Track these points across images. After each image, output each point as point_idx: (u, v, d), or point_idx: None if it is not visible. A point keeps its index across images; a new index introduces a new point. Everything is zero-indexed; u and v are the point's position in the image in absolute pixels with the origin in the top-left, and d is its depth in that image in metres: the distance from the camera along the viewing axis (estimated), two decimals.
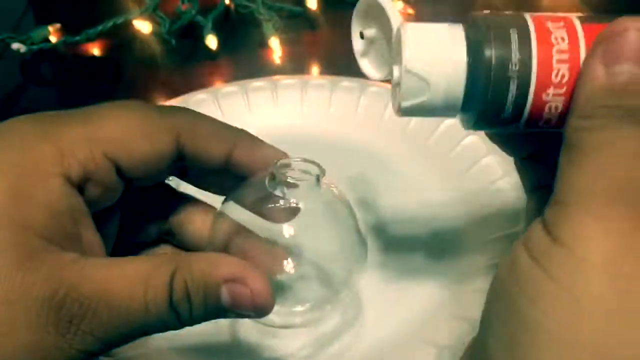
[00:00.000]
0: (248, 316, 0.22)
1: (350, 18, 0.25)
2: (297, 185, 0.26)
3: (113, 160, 0.24)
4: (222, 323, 0.32)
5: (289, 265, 0.27)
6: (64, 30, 0.56)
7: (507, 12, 0.20)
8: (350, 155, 0.43)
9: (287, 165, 0.26)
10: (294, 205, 0.26)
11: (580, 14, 0.20)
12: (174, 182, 0.29)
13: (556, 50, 0.19)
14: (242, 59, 0.56)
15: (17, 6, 0.62)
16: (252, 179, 0.27)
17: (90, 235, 0.23)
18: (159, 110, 0.25)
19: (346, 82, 0.46)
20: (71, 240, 0.22)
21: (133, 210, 0.27)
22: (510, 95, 0.20)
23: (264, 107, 0.46)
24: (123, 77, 0.54)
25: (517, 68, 0.19)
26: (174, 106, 0.26)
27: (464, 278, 0.34)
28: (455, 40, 0.20)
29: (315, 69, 0.55)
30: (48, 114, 0.24)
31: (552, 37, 0.19)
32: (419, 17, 0.60)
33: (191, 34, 0.58)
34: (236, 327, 0.33)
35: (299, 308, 0.28)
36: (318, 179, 0.26)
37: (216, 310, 0.22)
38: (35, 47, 0.54)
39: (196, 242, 0.28)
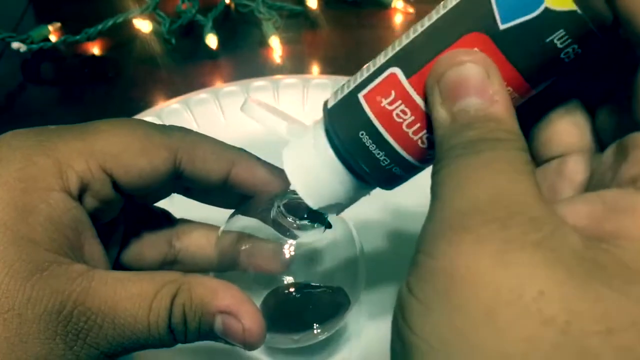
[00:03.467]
0: (237, 346, 0.23)
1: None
2: (302, 229, 0.26)
3: (109, 173, 0.24)
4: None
5: (291, 277, 0.28)
6: (64, 30, 0.56)
7: (345, 102, 0.21)
8: None
9: (291, 204, 0.26)
10: (297, 242, 0.27)
11: (400, 59, 0.20)
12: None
13: (406, 125, 0.20)
14: (243, 58, 0.56)
15: (17, 5, 0.62)
16: (257, 204, 0.28)
17: (94, 246, 0.24)
18: (157, 127, 0.26)
19: None
20: (75, 252, 0.22)
21: (137, 234, 0.28)
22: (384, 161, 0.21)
23: None
24: (123, 76, 0.54)
25: (387, 161, 0.21)
26: (173, 125, 0.27)
27: None
28: (322, 152, 0.22)
29: (315, 68, 0.55)
30: (44, 128, 0.24)
31: (394, 115, 0.20)
32: (419, 17, 0.60)
33: (191, 33, 0.58)
34: None
35: (294, 336, 0.29)
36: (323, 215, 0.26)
37: (209, 335, 0.23)
38: (35, 46, 0.54)
39: (202, 260, 0.29)
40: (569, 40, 0.18)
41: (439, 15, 0.19)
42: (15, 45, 0.53)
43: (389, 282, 0.35)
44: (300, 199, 0.23)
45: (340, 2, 0.61)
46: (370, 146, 0.20)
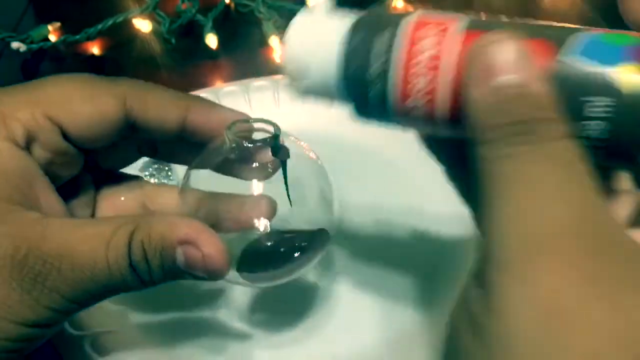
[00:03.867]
0: (203, 278, 0.23)
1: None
2: (251, 148, 0.26)
3: (56, 121, 0.24)
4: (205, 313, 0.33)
5: (260, 220, 0.27)
6: (64, 29, 0.56)
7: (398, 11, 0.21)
8: (352, 153, 0.43)
9: (242, 127, 0.26)
10: (252, 166, 0.26)
11: (472, 16, 0.20)
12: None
13: (415, 73, 0.19)
14: (243, 58, 0.56)
15: (17, 5, 0.61)
16: (210, 146, 0.27)
17: (50, 197, 0.23)
18: (104, 78, 0.26)
19: None
20: (29, 201, 0.22)
21: (110, 199, 0.28)
22: (372, 76, 0.20)
23: (266, 106, 0.46)
24: (123, 76, 0.54)
25: (376, 73, 0.20)
26: (122, 77, 0.26)
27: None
28: (337, 30, 0.22)
29: None
30: None
31: (416, 60, 0.19)
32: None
33: (191, 33, 0.57)
34: (216, 317, 0.33)
35: (267, 272, 0.28)
36: (274, 139, 0.26)
37: (174, 271, 0.22)
38: (35, 46, 0.54)
39: None
40: (600, 117, 0.17)
41: (537, 22, 0.19)
42: (15, 45, 0.53)
43: (370, 254, 0.35)
44: (248, 131, 0.23)
45: (340, 2, 0.61)
46: (373, 66, 0.20)
